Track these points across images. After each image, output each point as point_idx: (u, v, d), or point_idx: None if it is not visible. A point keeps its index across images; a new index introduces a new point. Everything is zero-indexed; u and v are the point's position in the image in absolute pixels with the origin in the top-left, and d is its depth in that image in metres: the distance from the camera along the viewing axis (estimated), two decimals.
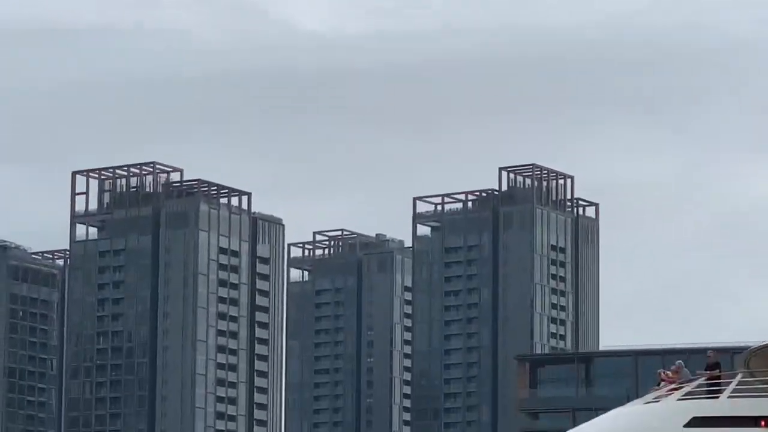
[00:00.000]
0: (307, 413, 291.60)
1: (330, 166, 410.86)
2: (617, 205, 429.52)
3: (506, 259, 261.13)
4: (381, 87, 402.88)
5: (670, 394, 29.23)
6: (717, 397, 28.41)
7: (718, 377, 29.20)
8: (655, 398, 29.71)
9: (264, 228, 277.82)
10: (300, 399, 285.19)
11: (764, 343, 30.33)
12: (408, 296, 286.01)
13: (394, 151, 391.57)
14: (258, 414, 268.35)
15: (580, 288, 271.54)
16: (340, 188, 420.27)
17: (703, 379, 29.41)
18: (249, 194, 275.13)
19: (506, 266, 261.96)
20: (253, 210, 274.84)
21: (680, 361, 32.01)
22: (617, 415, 30.74)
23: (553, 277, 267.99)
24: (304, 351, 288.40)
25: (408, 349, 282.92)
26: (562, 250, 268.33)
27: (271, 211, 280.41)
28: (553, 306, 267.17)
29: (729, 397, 28.14)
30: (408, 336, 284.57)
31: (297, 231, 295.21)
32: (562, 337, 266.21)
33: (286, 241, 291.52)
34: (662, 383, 30.49)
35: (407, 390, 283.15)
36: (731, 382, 28.79)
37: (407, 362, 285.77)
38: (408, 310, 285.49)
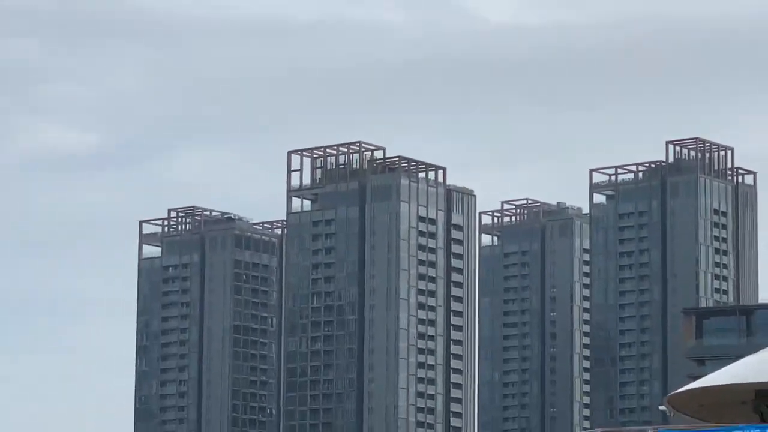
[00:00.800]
0: (497, 362, 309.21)
1: (516, 143, 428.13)
2: None
3: (673, 223, 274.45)
4: (560, 71, 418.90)
5: None
6: None
7: None
8: None
9: (457, 198, 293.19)
10: (491, 350, 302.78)
11: None
12: (586, 257, 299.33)
13: (573, 128, 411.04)
14: (454, 363, 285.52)
15: (740, 248, 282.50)
16: (525, 162, 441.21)
17: None
18: (444, 169, 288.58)
19: (673, 229, 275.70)
20: (447, 183, 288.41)
21: None
22: None
23: (716, 238, 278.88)
24: (494, 307, 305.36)
25: (587, 305, 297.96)
26: (724, 214, 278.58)
27: (464, 183, 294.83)
28: (716, 264, 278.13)
29: None
30: (586, 293, 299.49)
31: (487, 201, 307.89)
32: (725, 292, 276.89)
33: (477, 210, 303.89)
34: None
35: (586, 341, 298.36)
36: None
37: (586, 316, 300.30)
38: (586, 269, 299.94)
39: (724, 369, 28.57)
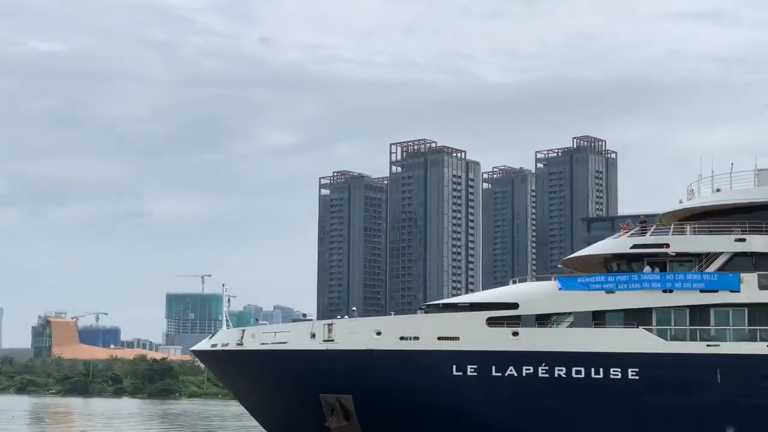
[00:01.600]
0: (489, 251, 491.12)
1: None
2: None
3: (576, 178, 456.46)
4: None
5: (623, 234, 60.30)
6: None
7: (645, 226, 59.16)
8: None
9: (472, 166, 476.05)
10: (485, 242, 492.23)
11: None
12: (533, 199, 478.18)
13: None
14: (471, 249, 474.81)
15: (610, 188, 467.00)
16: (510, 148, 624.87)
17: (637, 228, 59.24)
18: (465, 151, 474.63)
19: (577, 177, 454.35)
20: (467, 158, 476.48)
21: (629, 221, 63.91)
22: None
23: (598, 186, 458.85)
24: (486, 227, 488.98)
25: (535, 226, 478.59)
26: (601, 172, 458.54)
27: (474, 159, 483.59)
28: (598, 196, 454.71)
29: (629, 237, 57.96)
30: (535, 215, 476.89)
31: (485, 166, 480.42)
32: (600, 209, 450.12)
33: (481, 171, 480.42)
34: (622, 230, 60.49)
35: (533, 243, 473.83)
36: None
37: (533, 234, 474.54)
38: (533, 205, 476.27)
39: (590, 246, 62.92)
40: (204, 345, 71.48)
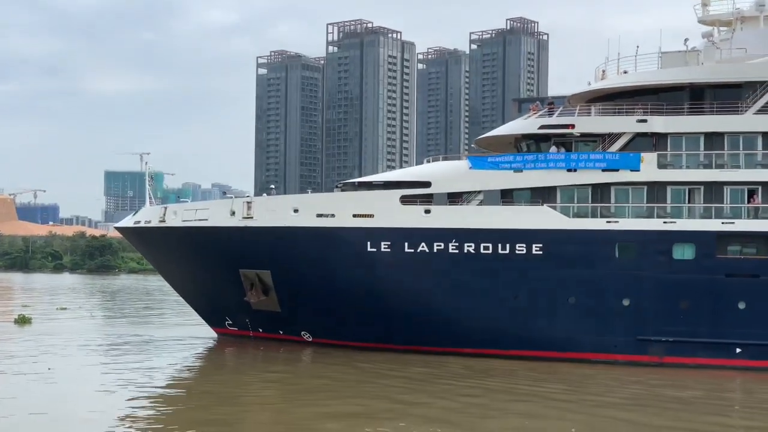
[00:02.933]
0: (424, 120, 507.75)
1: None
2: None
3: (508, 58, 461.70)
4: None
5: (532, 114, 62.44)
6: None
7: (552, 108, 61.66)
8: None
9: (407, 46, 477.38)
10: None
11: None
12: (466, 76, 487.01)
13: None
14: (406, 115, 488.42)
15: (541, 69, 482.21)
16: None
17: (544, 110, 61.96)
18: (400, 32, 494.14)
19: (510, 59, 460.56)
20: (402, 38, 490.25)
21: (537, 102, 66.78)
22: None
23: (530, 67, 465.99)
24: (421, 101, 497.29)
25: (467, 99, 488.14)
26: (533, 54, 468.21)
27: (409, 39, 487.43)
28: (529, 77, 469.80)
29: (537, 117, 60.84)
30: (467, 96, 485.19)
31: (420, 46, 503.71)
32: (531, 90, 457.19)
33: (416, 51, 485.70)
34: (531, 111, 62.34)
35: (466, 124, 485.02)
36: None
37: (466, 115, 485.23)
38: (467, 80, 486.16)
39: (501, 127, 66.31)
40: (127, 222, 73.14)
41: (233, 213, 65.80)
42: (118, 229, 76.63)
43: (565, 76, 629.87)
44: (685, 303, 58.82)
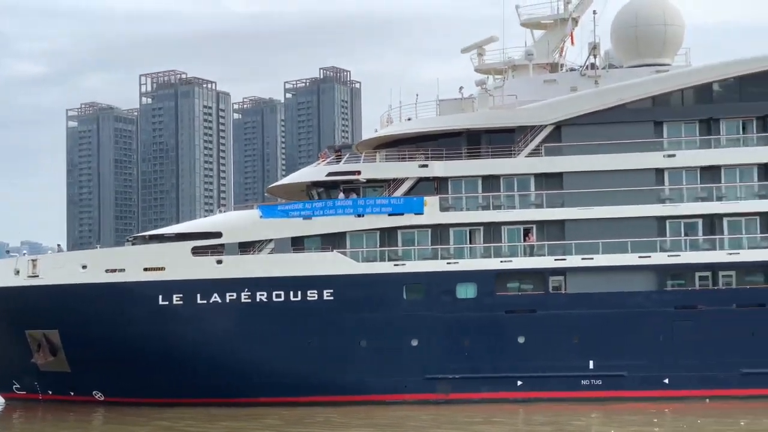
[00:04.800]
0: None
1: None
2: None
3: (324, 104, 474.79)
4: None
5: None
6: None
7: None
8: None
9: (222, 96, 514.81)
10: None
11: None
12: (282, 125, 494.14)
13: None
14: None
15: (355, 113, 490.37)
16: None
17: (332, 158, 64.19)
18: (215, 82, 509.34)
19: (324, 107, 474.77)
20: (217, 89, 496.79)
21: (326, 150, 68.24)
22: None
23: (344, 114, 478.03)
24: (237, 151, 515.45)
25: (283, 142, 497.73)
26: (347, 102, 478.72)
27: (223, 89, 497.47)
28: (343, 123, 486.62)
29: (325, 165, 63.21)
30: (284, 142, 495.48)
31: (234, 97, 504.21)
32: (345, 137, 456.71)
33: (232, 101, 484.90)
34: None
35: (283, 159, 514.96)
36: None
37: (282, 149, 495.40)
38: (283, 130, 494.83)
39: (292, 174, 66.54)
40: None
41: (17, 272, 64.50)
42: None
43: (378, 122, 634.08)
44: (468, 340, 60.49)
